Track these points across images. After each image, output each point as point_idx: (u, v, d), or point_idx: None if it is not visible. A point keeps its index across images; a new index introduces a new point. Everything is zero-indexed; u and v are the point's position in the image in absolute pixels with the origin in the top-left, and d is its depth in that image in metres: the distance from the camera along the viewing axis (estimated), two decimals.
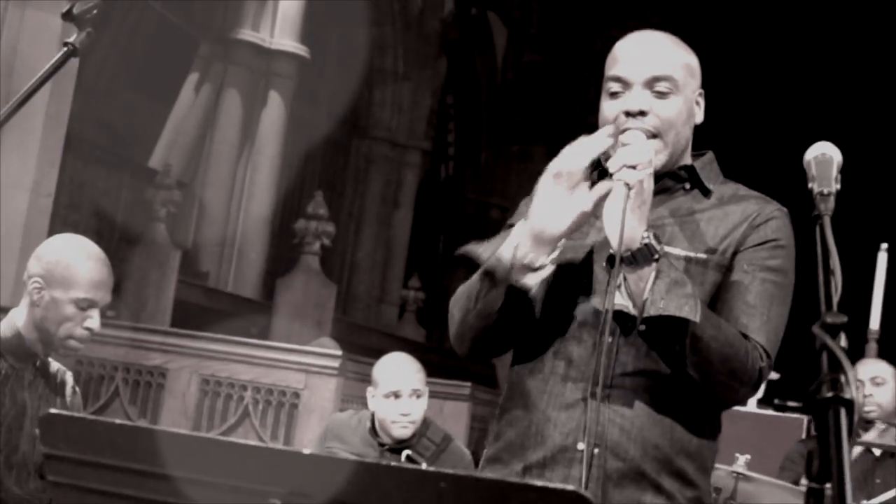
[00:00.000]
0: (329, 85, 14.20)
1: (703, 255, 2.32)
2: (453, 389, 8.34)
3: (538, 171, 2.35)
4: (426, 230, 16.56)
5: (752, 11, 17.80)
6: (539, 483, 1.39)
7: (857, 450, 4.81)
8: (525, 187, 2.45)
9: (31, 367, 3.14)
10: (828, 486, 1.41)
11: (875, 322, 6.59)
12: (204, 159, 12.09)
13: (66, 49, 2.35)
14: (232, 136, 12.07)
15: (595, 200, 2.24)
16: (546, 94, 16.86)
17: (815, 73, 17.77)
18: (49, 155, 7.73)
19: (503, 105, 17.56)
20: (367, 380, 4.70)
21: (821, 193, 1.94)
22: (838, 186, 1.98)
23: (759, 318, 2.30)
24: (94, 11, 2.32)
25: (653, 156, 2.23)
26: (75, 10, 2.33)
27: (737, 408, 4.88)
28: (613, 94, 2.37)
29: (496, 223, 10.81)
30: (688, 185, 2.41)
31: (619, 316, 2.21)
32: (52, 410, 2.14)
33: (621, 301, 2.20)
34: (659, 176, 2.31)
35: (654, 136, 2.33)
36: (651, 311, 2.17)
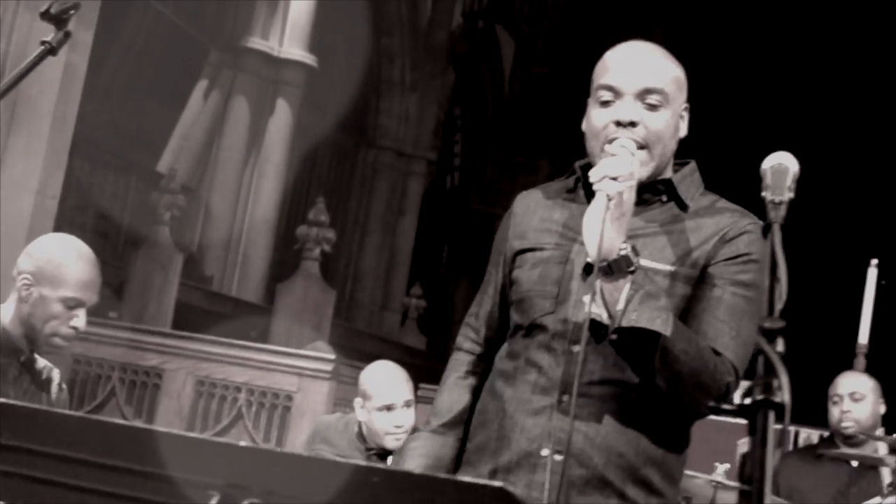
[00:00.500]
0: (336, 94, 14.23)
1: (671, 267, 2.31)
2: None
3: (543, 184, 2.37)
4: (430, 239, 16.57)
5: (754, 23, 17.79)
6: (468, 479, 1.39)
7: (836, 462, 4.80)
8: None
9: (16, 363, 3.14)
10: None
11: (864, 336, 6.59)
12: (211, 164, 12.13)
13: (43, 48, 2.36)
14: (239, 143, 12.11)
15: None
16: (552, 108, 16.87)
17: (815, 91, 17.76)
18: (55, 157, 7.73)
19: (509, 117, 17.58)
20: None
21: (773, 202, 1.93)
22: (791, 195, 1.97)
23: (728, 333, 2.28)
24: (72, 12, 2.33)
25: (635, 168, 2.22)
26: (53, 10, 2.34)
27: (722, 417, 4.88)
28: (604, 104, 2.36)
29: None
30: (665, 198, 2.40)
31: (592, 324, 2.21)
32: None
33: (595, 310, 2.19)
34: (640, 188, 2.31)
35: (642, 147, 2.33)
36: (623, 322, 2.17)
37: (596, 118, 2.37)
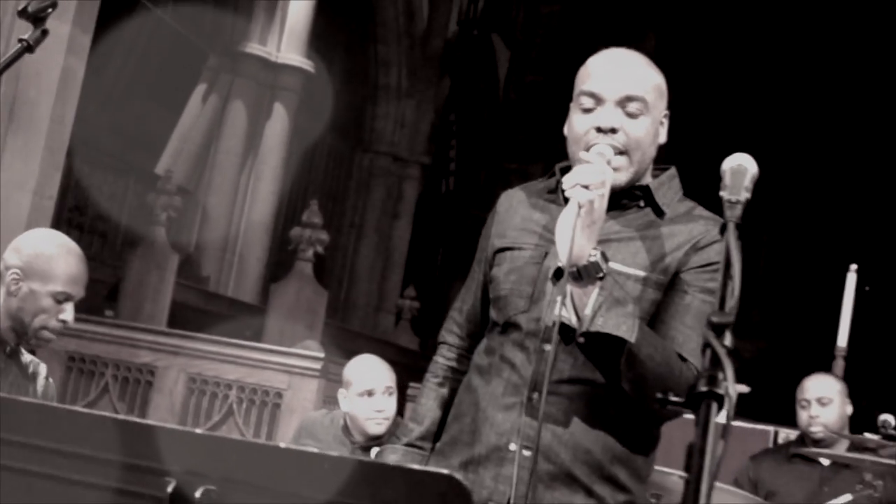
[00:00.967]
0: (333, 99, 14.25)
1: (642, 273, 2.32)
2: None
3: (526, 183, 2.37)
4: (424, 242, 16.59)
5: (745, 32, 17.82)
6: (416, 467, 1.40)
7: (806, 461, 4.81)
8: None
9: (2, 355, 3.14)
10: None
11: (843, 339, 6.60)
12: (209, 167, 12.14)
13: (20, 45, 2.36)
14: (236, 146, 12.12)
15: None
16: (546, 115, 16.89)
17: (802, 97, 17.80)
18: (52, 158, 7.74)
19: (504, 124, 17.60)
20: None
21: (729, 201, 1.94)
22: (748, 196, 1.98)
23: (695, 339, 2.27)
24: (49, 10, 2.33)
25: (608, 177, 2.22)
26: (30, 9, 2.34)
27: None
28: (586, 110, 2.36)
29: None
30: (642, 203, 2.41)
31: (562, 326, 2.21)
32: None
33: (565, 313, 2.20)
34: (618, 193, 2.30)
35: (621, 152, 2.33)
36: (591, 327, 2.18)
37: (577, 124, 2.38)
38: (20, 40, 2.35)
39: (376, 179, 15.28)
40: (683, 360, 2.25)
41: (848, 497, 4.27)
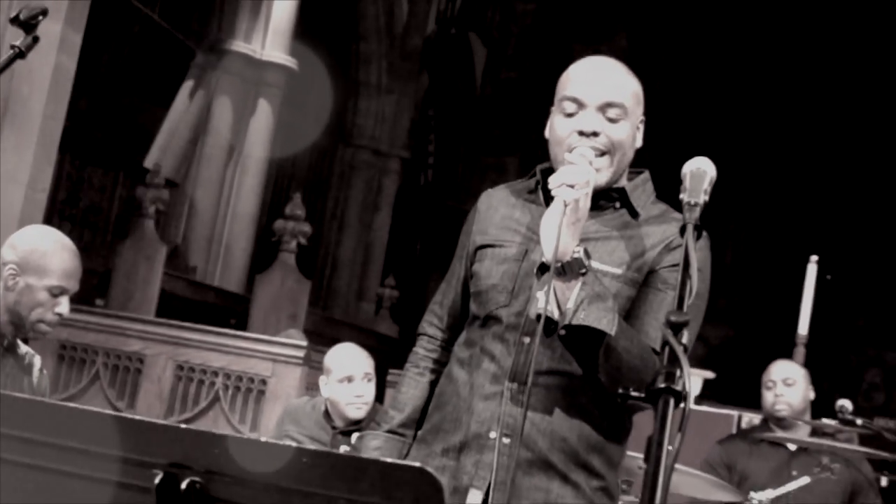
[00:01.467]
0: (315, 95, 14.22)
1: (618, 270, 2.35)
2: None
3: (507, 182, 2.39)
4: (404, 233, 16.59)
5: (717, 31, 17.87)
6: (389, 460, 1.42)
7: (775, 445, 4.85)
8: None
9: (0, 349, 3.15)
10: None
11: (804, 328, 6.65)
12: (196, 161, 12.10)
13: (12, 52, 2.37)
14: (222, 140, 12.07)
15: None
16: (521, 110, 16.92)
17: (769, 95, 17.86)
18: (45, 152, 7.72)
19: (480, 119, 17.60)
20: None
21: (689, 203, 1.97)
22: (706, 198, 2.01)
23: None
24: (40, 18, 2.34)
25: (591, 177, 2.25)
26: (22, 17, 2.35)
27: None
28: (568, 115, 2.39)
29: None
30: (618, 205, 2.43)
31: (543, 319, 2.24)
32: None
33: (548, 307, 2.23)
34: (595, 194, 2.33)
35: (603, 153, 2.36)
36: (573, 320, 2.20)
37: (559, 127, 2.40)
38: (12, 47, 2.36)
39: (357, 173, 15.25)
40: (657, 353, 2.28)
41: (806, 479, 4.32)
